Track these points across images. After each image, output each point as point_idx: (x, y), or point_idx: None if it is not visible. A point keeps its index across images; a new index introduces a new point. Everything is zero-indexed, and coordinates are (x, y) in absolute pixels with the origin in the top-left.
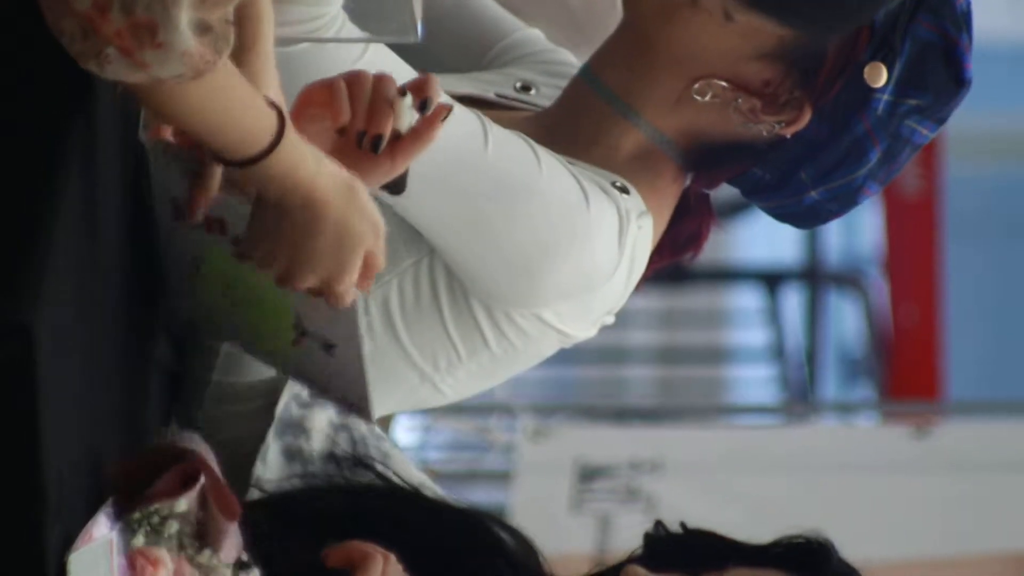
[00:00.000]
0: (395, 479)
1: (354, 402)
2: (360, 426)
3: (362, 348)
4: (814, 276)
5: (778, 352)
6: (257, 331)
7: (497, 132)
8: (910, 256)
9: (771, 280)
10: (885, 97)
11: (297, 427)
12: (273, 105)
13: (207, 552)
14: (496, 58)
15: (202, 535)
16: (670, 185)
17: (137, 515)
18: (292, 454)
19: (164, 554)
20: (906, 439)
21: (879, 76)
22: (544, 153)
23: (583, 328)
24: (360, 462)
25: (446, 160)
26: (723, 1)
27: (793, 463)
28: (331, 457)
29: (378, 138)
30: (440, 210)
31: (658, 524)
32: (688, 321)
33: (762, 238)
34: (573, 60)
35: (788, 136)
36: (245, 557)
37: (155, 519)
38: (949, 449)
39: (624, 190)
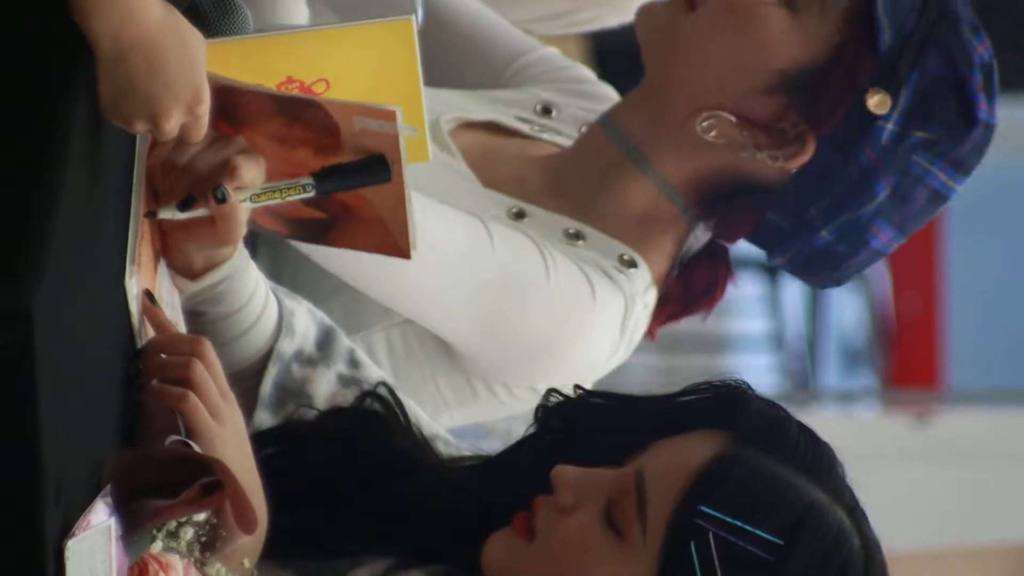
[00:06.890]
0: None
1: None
2: (371, 377)
3: None
4: None
5: (779, 341)
6: None
7: (502, 232)
8: (912, 245)
9: (772, 268)
10: (889, 127)
11: (298, 394)
12: None
13: (217, 564)
14: (516, 74)
15: (213, 541)
16: (674, 245)
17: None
18: None
19: (176, 560)
20: (907, 428)
21: (883, 103)
22: (550, 248)
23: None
24: (364, 410)
25: (455, 261)
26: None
27: None
28: (336, 411)
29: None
30: (450, 308)
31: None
32: None
33: None
34: (590, 75)
35: (793, 170)
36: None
37: (172, 524)
38: (950, 438)
39: (632, 263)
